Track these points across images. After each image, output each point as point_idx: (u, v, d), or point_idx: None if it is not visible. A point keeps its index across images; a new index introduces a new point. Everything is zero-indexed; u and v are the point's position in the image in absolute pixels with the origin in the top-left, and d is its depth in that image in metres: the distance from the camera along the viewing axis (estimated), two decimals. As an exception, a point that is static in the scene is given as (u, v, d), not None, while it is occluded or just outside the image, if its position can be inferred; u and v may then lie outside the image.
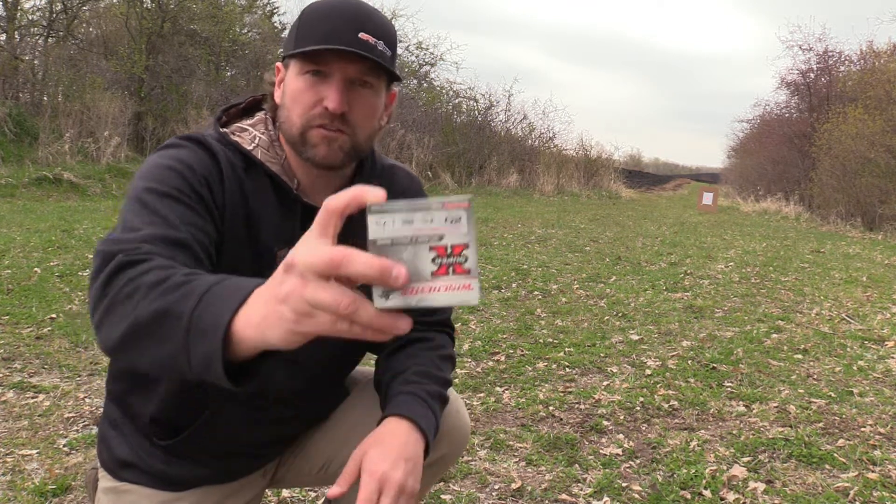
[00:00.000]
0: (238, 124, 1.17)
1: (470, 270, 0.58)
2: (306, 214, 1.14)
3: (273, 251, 1.12)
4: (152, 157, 1.07)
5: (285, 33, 1.30)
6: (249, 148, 1.13)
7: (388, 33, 1.10)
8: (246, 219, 1.10)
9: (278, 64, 1.16)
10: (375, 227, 0.59)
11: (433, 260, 0.58)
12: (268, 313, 0.61)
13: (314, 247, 0.58)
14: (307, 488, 2.08)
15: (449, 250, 0.58)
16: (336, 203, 0.59)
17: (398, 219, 0.59)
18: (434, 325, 1.34)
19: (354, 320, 0.57)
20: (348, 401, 1.38)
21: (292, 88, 1.09)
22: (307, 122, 1.08)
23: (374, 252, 0.58)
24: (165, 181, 1.01)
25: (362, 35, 1.05)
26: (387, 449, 1.05)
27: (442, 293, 0.58)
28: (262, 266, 1.10)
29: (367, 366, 1.42)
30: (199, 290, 0.71)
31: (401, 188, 1.32)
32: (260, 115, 1.19)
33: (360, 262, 0.56)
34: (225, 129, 1.15)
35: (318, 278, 0.57)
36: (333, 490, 1.02)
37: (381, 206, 0.59)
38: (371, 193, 0.59)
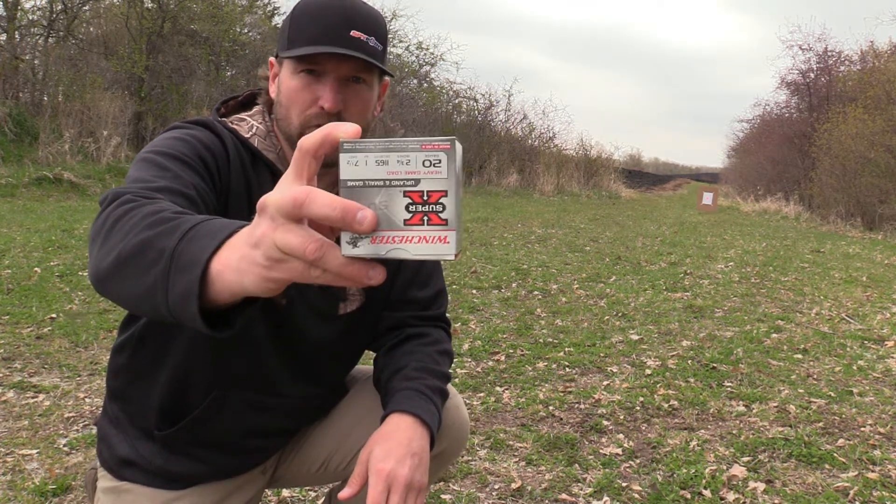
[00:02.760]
0: (237, 115, 1.20)
1: (447, 221, 0.52)
2: None
3: None
4: (166, 132, 1.10)
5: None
6: (247, 136, 1.15)
7: (378, 28, 1.12)
8: (247, 202, 1.12)
9: (271, 59, 1.18)
10: (346, 167, 0.54)
11: (407, 207, 0.53)
12: (243, 257, 0.58)
13: (285, 188, 0.54)
14: (307, 488, 2.08)
15: (425, 197, 0.53)
16: (309, 142, 0.55)
17: (371, 158, 0.54)
18: (429, 320, 1.35)
19: (323, 267, 0.53)
20: (347, 398, 1.38)
21: (288, 87, 1.12)
22: (305, 121, 1.11)
23: (345, 194, 0.54)
24: (173, 147, 1.03)
25: (354, 33, 1.08)
26: (392, 446, 1.06)
27: (414, 244, 0.53)
28: None
29: (365, 365, 1.42)
30: (185, 225, 0.68)
31: None
32: (257, 108, 1.21)
33: (321, 201, 0.52)
34: (224, 119, 1.18)
35: (287, 221, 0.53)
36: (344, 492, 1.03)
37: (354, 144, 0.54)
38: (343, 128, 0.55)
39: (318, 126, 1.08)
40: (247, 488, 1.30)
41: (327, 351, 1.25)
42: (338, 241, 0.54)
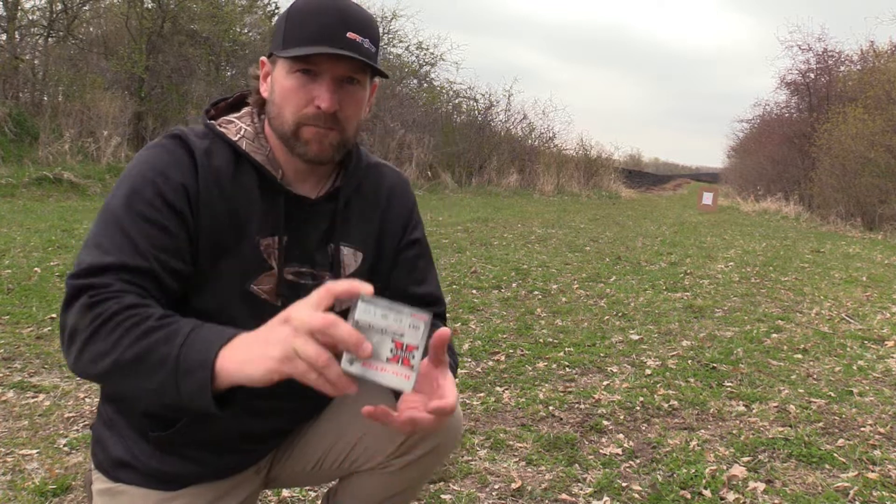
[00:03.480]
0: (225, 117, 1.22)
1: (413, 367, 0.78)
2: (290, 203, 1.19)
3: (256, 240, 1.17)
4: (138, 158, 1.13)
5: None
6: (235, 139, 1.17)
7: (372, 30, 1.14)
8: (227, 212, 1.14)
9: (263, 58, 1.20)
10: (362, 312, 0.78)
11: (391, 350, 0.78)
12: (256, 352, 0.81)
13: (311, 312, 0.78)
14: (307, 488, 2.08)
15: (404, 347, 0.78)
16: (336, 289, 0.78)
17: (379, 312, 0.78)
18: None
19: (324, 374, 0.77)
20: (339, 399, 1.38)
21: (283, 87, 1.13)
22: (300, 120, 1.12)
23: (355, 327, 0.78)
24: (140, 194, 1.07)
25: (350, 34, 1.10)
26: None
27: (387, 374, 0.78)
28: (246, 254, 1.15)
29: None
30: (179, 335, 0.88)
31: (389, 184, 1.35)
32: (246, 109, 1.23)
33: (344, 329, 0.76)
34: (212, 122, 1.20)
35: (308, 335, 0.77)
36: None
37: (371, 299, 0.78)
38: (366, 287, 0.79)
39: (314, 126, 1.11)
40: (241, 488, 1.31)
41: None
42: (338, 357, 0.78)
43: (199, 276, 1.13)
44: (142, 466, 1.19)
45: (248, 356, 0.81)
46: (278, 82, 1.14)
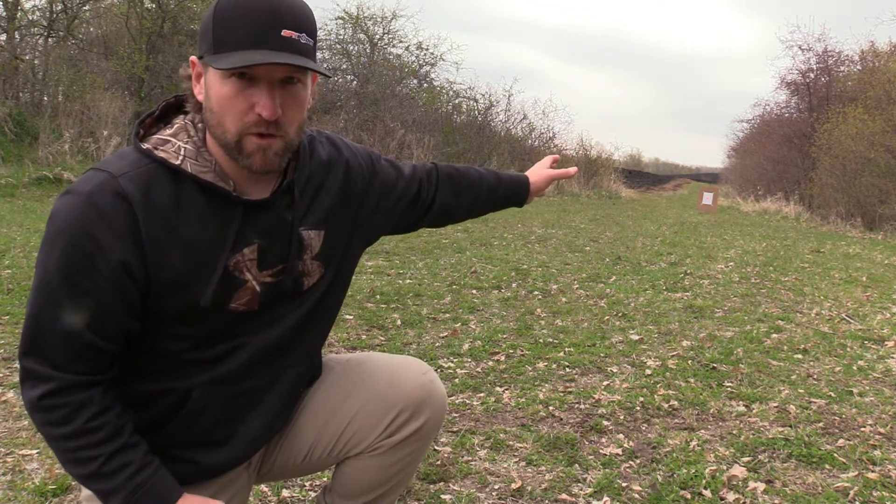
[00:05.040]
0: (158, 136, 1.13)
1: None
2: (247, 210, 1.14)
3: (224, 261, 1.12)
4: (66, 219, 1.04)
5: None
6: (177, 162, 1.09)
7: (307, 22, 1.08)
8: (184, 254, 1.09)
9: (193, 58, 1.12)
10: None
11: None
12: None
13: None
14: (307, 488, 2.08)
15: None
16: None
17: None
18: (431, 171, 1.52)
19: None
20: (325, 388, 1.39)
21: (219, 94, 1.06)
22: (242, 129, 1.06)
23: None
24: (82, 279, 1.04)
25: (285, 32, 1.03)
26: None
27: None
28: (217, 281, 1.12)
29: (333, 353, 1.42)
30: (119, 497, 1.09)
31: (330, 161, 1.30)
32: (179, 122, 1.15)
33: None
34: (147, 146, 1.11)
35: None
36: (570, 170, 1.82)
37: None
38: None
39: (257, 135, 1.08)
40: (232, 485, 1.32)
41: (298, 329, 1.26)
42: None
43: (181, 315, 1.12)
44: None
45: None
46: (213, 88, 1.06)
